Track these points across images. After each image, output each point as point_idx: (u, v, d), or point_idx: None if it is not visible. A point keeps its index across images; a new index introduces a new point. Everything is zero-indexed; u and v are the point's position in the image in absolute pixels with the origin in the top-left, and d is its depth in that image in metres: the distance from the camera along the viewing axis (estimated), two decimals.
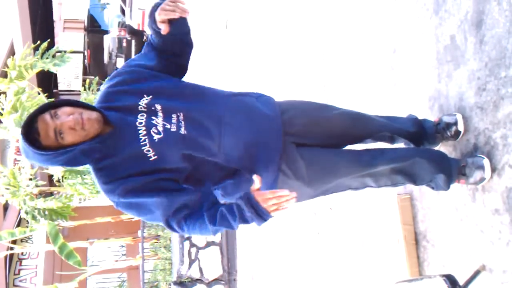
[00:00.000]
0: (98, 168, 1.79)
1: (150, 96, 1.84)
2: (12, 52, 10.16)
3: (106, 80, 1.96)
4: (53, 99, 8.09)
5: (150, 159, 1.77)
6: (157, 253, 9.36)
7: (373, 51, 3.08)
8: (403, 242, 2.63)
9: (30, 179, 7.93)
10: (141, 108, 1.81)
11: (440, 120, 2.29)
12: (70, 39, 19.68)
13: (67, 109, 1.71)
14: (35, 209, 7.63)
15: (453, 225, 2.35)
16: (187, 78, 2.05)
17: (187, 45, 2.00)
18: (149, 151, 1.77)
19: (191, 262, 6.57)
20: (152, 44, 1.97)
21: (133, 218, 9.99)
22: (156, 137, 1.78)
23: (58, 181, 8.02)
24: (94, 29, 14.85)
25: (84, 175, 7.89)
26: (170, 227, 1.81)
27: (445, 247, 2.43)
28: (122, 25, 13.12)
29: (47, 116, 1.69)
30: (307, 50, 4.07)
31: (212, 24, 7.14)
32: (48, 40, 7.74)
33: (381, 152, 2.10)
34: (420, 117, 2.36)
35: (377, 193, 2.97)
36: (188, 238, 6.60)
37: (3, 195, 7.68)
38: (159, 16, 1.82)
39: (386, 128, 2.19)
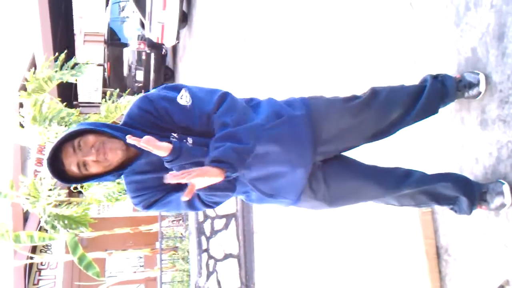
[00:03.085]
0: (127, 182, 1.87)
1: (179, 133, 1.81)
2: (33, 65, 10.33)
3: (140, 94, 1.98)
4: (74, 110, 8.24)
5: None
6: (175, 264, 9.36)
7: (393, 62, 3.07)
8: (425, 256, 2.60)
9: (51, 189, 8.01)
10: (172, 138, 1.79)
11: (462, 77, 2.24)
12: (90, 52, 19.99)
13: (90, 140, 1.72)
14: (55, 218, 7.70)
15: (475, 239, 2.32)
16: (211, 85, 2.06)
17: None
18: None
19: (209, 274, 6.57)
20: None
21: (151, 229, 10.04)
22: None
23: (76, 188, 8.11)
24: (114, 42, 15.01)
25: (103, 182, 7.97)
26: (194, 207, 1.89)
27: (467, 261, 2.39)
28: (142, 38, 13.26)
29: (70, 149, 1.71)
30: (324, 61, 4.07)
31: (232, 37, 7.19)
32: (66, 50, 7.87)
33: (406, 175, 2.08)
34: (439, 73, 2.29)
35: (399, 208, 2.95)
36: (206, 250, 6.60)
37: (24, 204, 7.77)
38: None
39: (413, 119, 2.15)
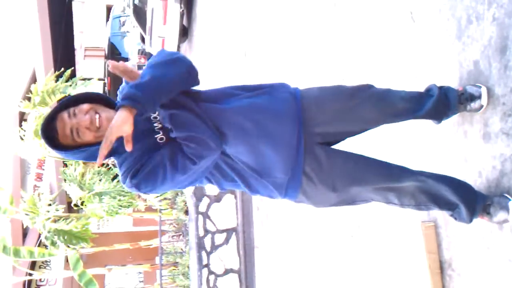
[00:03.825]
0: (119, 162, 1.86)
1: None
2: (34, 80, 10.37)
3: None
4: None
5: (160, 142, 1.85)
6: (175, 280, 9.28)
7: (394, 76, 3.06)
8: (428, 271, 2.57)
9: (50, 205, 7.99)
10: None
11: (465, 90, 2.23)
12: (90, 66, 20.07)
13: (84, 107, 1.75)
14: (55, 234, 7.66)
15: (479, 253, 2.29)
16: None
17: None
18: (162, 139, 1.85)
19: None
20: None
21: (151, 245, 9.98)
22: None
23: (76, 205, 8.08)
24: (114, 57, 15.10)
25: (102, 197, 7.93)
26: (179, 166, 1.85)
27: (471, 276, 2.36)
28: (142, 52, 13.33)
29: (65, 115, 1.74)
30: (325, 76, 4.07)
31: (232, 52, 7.22)
32: (72, 67, 7.95)
33: (408, 169, 2.07)
34: (442, 85, 2.29)
35: (401, 221, 2.93)
36: (207, 266, 6.55)
37: (23, 220, 7.74)
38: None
39: (415, 113, 2.16)
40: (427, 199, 2.08)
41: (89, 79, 8.07)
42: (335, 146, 2.10)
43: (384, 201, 2.08)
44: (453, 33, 2.47)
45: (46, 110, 7.56)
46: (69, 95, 7.98)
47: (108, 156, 1.82)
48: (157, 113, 1.87)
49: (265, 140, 1.88)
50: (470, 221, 2.11)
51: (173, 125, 1.81)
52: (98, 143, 1.71)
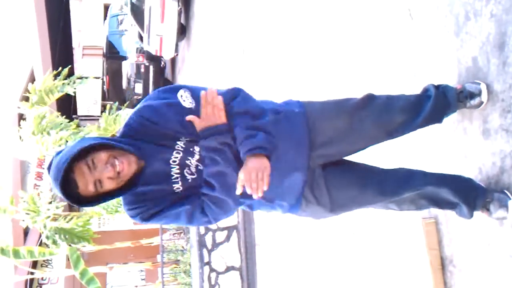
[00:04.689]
0: (130, 200, 1.83)
1: (188, 139, 1.81)
2: (32, 79, 10.35)
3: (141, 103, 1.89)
4: (73, 122, 8.23)
5: (177, 192, 1.82)
6: (177, 278, 9.30)
7: (393, 74, 3.06)
8: (429, 268, 2.58)
9: (50, 203, 7.99)
10: (178, 147, 1.80)
11: (463, 88, 2.22)
12: (89, 65, 20.03)
13: (103, 156, 1.67)
14: (56, 233, 7.66)
15: (480, 249, 2.30)
16: None
17: None
18: (179, 188, 1.82)
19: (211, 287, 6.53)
20: None
21: (152, 243, 9.99)
22: (189, 177, 1.82)
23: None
24: (112, 55, 15.05)
25: None
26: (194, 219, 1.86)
27: (472, 272, 2.37)
28: (140, 51, 13.30)
29: (84, 167, 1.65)
30: (323, 74, 4.07)
31: (230, 49, 7.21)
32: (69, 66, 7.95)
33: (406, 180, 2.06)
34: (440, 84, 2.26)
35: (402, 218, 2.93)
36: (208, 263, 6.56)
37: (23, 220, 7.74)
38: (243, 175, 1.72)
39: (416, 123, 2.12)
40: (428, 203, 2.11)
41: (86, 78, 8.06)
42: None
43: (383, 208, 2.14)
44: (451, 29, 2.47)
45: (45, 109, 7.56)
46: (66, 94, 8.01)
47: (121, 194, 1.79)
48: (177, 156, 1.80)
49: (286, 166, 1.88)
50: (471, 216, 2.13)
51: (211, 160, 1.77)
52: (117, 191, 1.72)
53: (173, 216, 1.84)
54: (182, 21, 11.42)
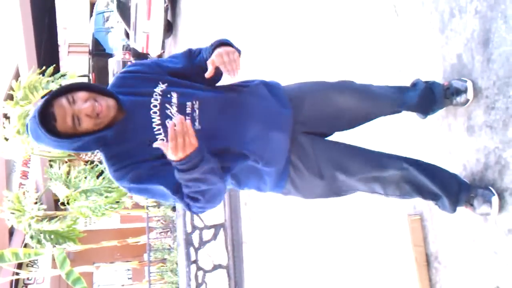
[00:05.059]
0: (109, 155, 1.79)
1: (166, 84, 1.84)
2: (17, 76, 10.25)
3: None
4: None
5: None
6: (164, 277, 9.28)
7: (378, 70, 3.06)
8: (415, 264, 2.59)
9: (36, 203, 7.92)
10: (155, 94, 1.81)
11: (450, 85, 2.24)
12: (74, 62, 19.87)
13: (83, 95, 1.69)
14: (41, 233, 7.59)
15: (465, 246, 2.31)
16: None
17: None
18: (163, 139, 1.76)
19: (198, 286, 6.50)
20: (193, 54, 2.00)
21: (139, 241, 9.95)
22: None
23: (63, 204, 8.01)
24: (98, 53, 14.96)
25: (89, 195, 7.87)
26: (186, 204, 1.80)
27: (457, 268, 2.38)
28: (127, 48, 13.23)
29: (64, 101, 1.67)
30: (309, 71, 4.06)
31: None
32: (54, 65, 7.87)
33: (391, 155, 2.08)
34: (428, 80, 2.31)
35: (387, 215, 2.94)
36: (195, 262, 6.54)
37: (8, 220, 7.66)
38: (215, 58, 1.77)
39: (398, 104, 2.18)
40: (411, 189, 2.08)
41: (70, 74, 7.97)
42: None
43: (369, 191, 2.08)
44: (436, 26, 2.47)
45: (30, 108, 7.47)
46: (51, 91, 7.90)
47: (97, 147, 1.79)
48: (155, 104, 1.80)
49: (272, 126, 1.90)
50: (453, 211, 2.13)
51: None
52: (96, 132, 1.71)
53: (162, 179, 1.76)
54: (169, 18, 11.36)
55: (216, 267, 6.43)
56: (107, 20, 15.43)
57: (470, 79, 2.20)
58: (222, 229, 6.37)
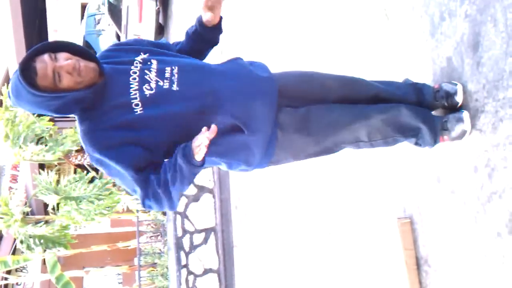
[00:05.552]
0: (84, 117, 1.81)
1: (147, 54, 1.91)
2: (7, 80, 10.18)
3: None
4: (49, 124, 8.10)
5: (136, 112, 1.78)
6: (154, 281, 9.22)
7: (369, 74, 3.06)
8: (405, 268, 2.58)
9: (25, 204, 7.86)
10: (136, 62, 1.86)
11: (440, 88, 2.25)
12: None
13: (65, 55, 1.72)
14: (30, 237, 7.53)
15: (455, 249, 2.31)
16: None
17: (213, 44, 2.21)
18: (137, 105, 1.79)
19: None
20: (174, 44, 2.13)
21: (129, 246, 9.88)
22: (147, 92, 1.81)
23: (53, 209, 7.95)
24: None
25: (80, 202, 7.81)
26: (144, 204, 1.85)
27: (447, 271, 2.38)
28: None
29: (46, 56, 1.70)
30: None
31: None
32: None
33: (372, 105, 2.14)
34: (418, 82, 2.34)
35: (377, 217, 2.94)
36: (185, 266, 6.51)
37: None
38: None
39: (382, 92, 2.21)
40: (393, 131, 2.12)
41: None
42: None
43: (354, 142, 2.11)
44: (427, 30, 2.48)
45: (18, 111, 7.42)
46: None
47: (75, 110, 1.80)
48: (135, 71, 1.85)
49: (255, 91, 1.94)
50: (434, 143, 2.19)
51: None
52: (78, 90, 1.73)
53: (125, 155, 1.77)
54: (160, 20, 11.34)
55: (207, 271, 6.40)
56: (98, 22, 15.36)
57: (460, 82, 2.20)
58: (212, 233, 6.35)
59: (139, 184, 1.79)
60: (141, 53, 1.90)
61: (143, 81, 1.82)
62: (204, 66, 1.96)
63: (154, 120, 1.79)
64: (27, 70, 1.69)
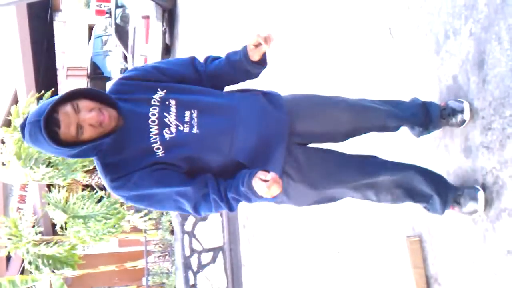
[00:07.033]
0: (105, 163, 1.80)
1: (165, 91, 1.85)
2: (15, 101, 10.26)
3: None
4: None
5: (157, 155, 1.78)
6: None
7: (374, 92, 3.07)
8: (415, 286, 2.56)
9: (33, 226, 7.86)
10: (154, 101, 1.82)
11: (447, 105, 2.25)
12: (73, 86, 19.93)
13: (88, 104, 1.69)
14: (38, 258, 7.52)
15: (465, 267, 2.29)
16: None
17: (253, 78, 2.07)
18: (159, 149, 1.79)
19: None
20: (197, 62, 2.07)
21: (137, 266, 9.85)
22: (167, 136, 1.79)
23: (61, 228, 7.95)
24: (96, 76, 15.06)
25: (88, 220, 7.80)
26: (197, 211, 1.85)
27: None
28: (125, 71, 13.27)
29: (69, 109, 1.66)
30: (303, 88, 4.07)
31: None
32: (53, 89, 7.87)
33: (384, 163, 2.10)
34: (425, 100, 2.32)
35: (386, 236, 2.92)
36: (194, 286, 6.47)
37: (6, 246, 7.59)
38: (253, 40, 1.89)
39: (391, 117, 2.18)
40: (403, 194, 2.11)
41: None
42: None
43: (362, 198, 2.10)
44: (432, 48, 2.49)
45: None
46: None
47: (93, 155, 1.79)
48: (154, 113, 1.81)
49: (269, 134, 1.92)
50: (443, 211, 2.16)
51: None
52: (98, 139, 1.71)
53: (170, 179, 1.79)
54: (167, 41, 11.44)
55: None
56: (105, 43, 15.54)
57: (466, 100, 2.21)
58: (221, 252, 6.32)
59: (196, 186, 1.80)
60: (158, 90, 1.85)
61: (163, 124, 1.79)
62: (222, 106, 1.90)
63: (177, 160, 1.81)
64: (48, 120, 1.63)
